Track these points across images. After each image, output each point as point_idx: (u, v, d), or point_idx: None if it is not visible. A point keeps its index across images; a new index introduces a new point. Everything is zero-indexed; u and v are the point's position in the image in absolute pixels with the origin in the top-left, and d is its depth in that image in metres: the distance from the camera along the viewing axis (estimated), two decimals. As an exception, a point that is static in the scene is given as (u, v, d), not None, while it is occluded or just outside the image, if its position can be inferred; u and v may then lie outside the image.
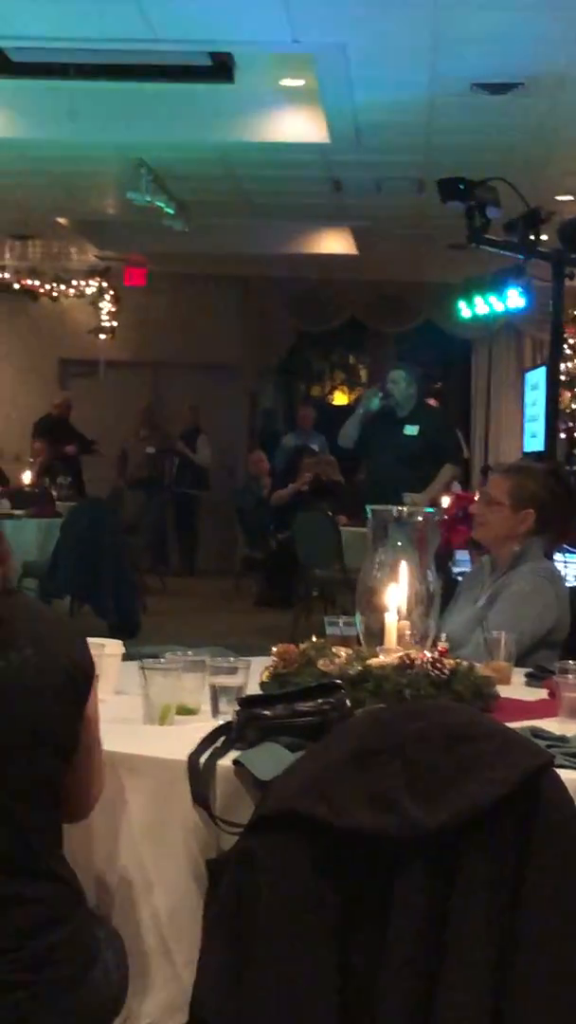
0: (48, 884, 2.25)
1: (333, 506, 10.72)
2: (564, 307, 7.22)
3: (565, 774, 2.21)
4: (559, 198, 10.31)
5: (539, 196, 5.97)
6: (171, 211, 11.14)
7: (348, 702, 2.56)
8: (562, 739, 2.58)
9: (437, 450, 8.63)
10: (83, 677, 2.32)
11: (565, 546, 4.10)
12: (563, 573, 4.94)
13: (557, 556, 5.75)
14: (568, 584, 4.01)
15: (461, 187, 5.08)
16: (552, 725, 2.74)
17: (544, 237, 5.48)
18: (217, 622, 10.97)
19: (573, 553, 7.63)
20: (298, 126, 9.29)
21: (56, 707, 2.26)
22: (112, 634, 3.60)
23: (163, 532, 14.45)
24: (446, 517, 7.66)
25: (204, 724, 2.62)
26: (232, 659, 2.89)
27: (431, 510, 3.26)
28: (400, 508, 3.26)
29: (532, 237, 5.29)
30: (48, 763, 2.26)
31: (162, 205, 10.81)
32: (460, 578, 5.33)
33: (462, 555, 7.19)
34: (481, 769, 2.04)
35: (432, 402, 11.00)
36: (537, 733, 2.59)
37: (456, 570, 7.14)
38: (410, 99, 8.42)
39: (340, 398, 18.74)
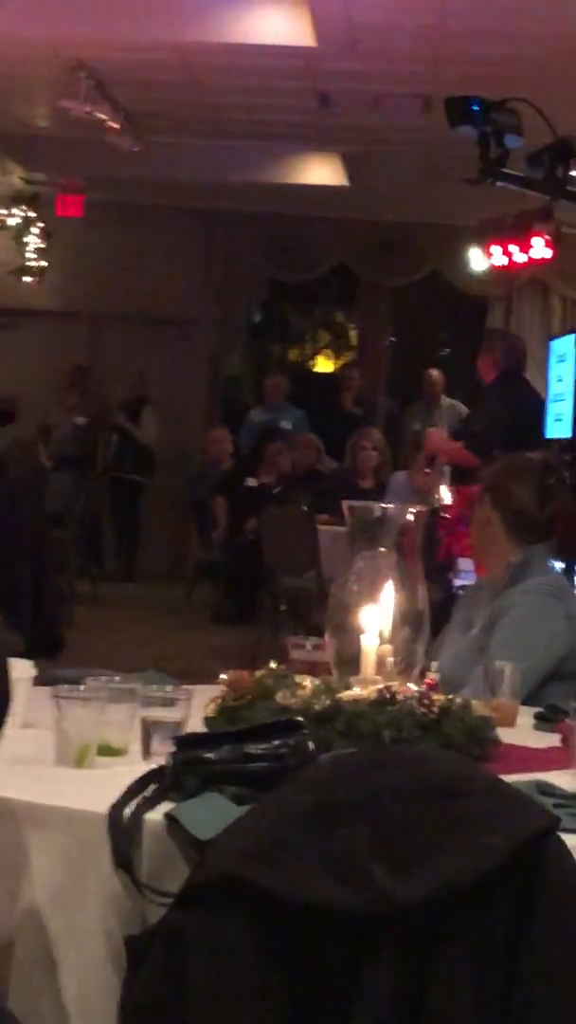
0: None
1: (311, 500, 10.74)
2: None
3: (573, 840, 2.22)
4: (600, 125, 10.36)
5: (572, 122, 5.96)
6: (116, 125, 11.13)
7: (311, 744, 2.58)
8: (574, 797, 2.59)
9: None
10: None
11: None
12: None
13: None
14: None
15: (475, 108, 5.05)
16: (563, 779, 2.76)
17: (576, 173, 5.47)
18: (162, 641, 10.98)
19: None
20: (277, 24, 9.30)
21: None
22: (28, 652, 3.60)
23: (96, 526, 14.44)
24: (446, 516, 7.70)
25: (132, 768, 2.63)
26: (170, 688, 2.90)
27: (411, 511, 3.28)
28: (384, 506, 3.28)
29: (561, 173, 5.26)
30: None
31: (105, 118, 10.80)
32: (461, 592, 5.36)
33: (466, 563, 7.22)
34: (470, 833, 2.05)
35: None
36: (544, 789, 2.61)
37: (457, 583, 7.18)
38: (417, -6, 8.44)
39: (324, 364, 18.78)
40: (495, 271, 12.27)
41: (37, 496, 10.62)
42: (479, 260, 12.15)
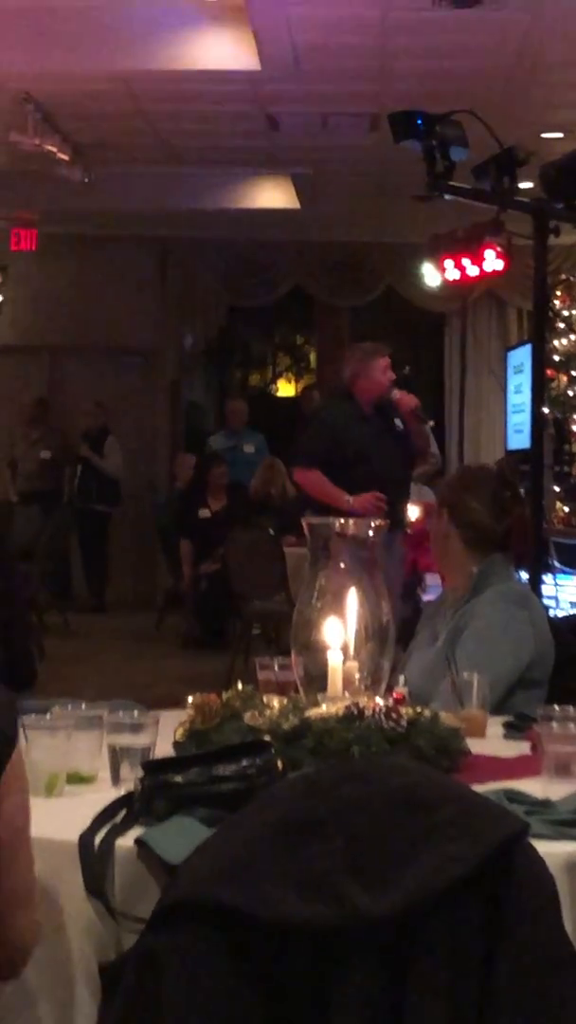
0: None
1: (276, 523, 10.74)
2: (553, 269, 7.27)
3: (544, 846, 2.23)
4: (545, 135, 10.40)
5: (518, 133, 6.01)
6: (66, 157, 11.13)
7: (280, 763, 2.57)
8: (544, 803, 2.60)
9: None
10: None
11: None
12: (553, 597, 4.97)
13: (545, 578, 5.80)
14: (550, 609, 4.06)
15: (418, 123, 5.09)
16: (533, 786, 2.76)
17: (526, 185, 5.51)
18: (134, 669, 10.96)
19: (568, 574, 7.70)
20: (221, 50, 9.32)
21: None
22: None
23: (64, 558, 14.40)
24: (410, 532, 7.71)
25: (101, 795, 2.63)
26: (136, 713, 2.89)
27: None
28: (343, 521, 3.27)
29: (508, 184, 5.30)
30: None
31: (54, 150, 10.80)
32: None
33: (433, 578, 7.23)
34: (439, 843, 2.04)
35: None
36: (513, 796, 2.61)
37: (425, 597, 7.18)
38: (359, 14, 8.46)
39: (285, 387, 18.78)
40: (450, 286, 12.33)
41: (3, 530, 10.60)
42: (433, 276, 12.21)
